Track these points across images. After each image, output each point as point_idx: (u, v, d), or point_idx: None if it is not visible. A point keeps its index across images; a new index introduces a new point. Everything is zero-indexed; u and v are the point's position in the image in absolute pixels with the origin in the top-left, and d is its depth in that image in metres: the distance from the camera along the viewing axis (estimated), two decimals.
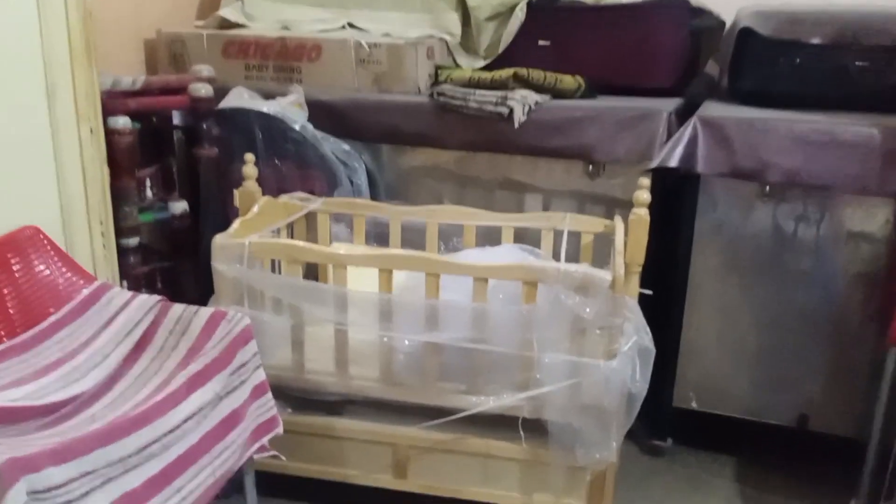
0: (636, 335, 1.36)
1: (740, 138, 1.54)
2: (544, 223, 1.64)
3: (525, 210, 1.85)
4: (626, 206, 1.75)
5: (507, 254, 1.62)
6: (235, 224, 1.48)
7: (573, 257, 1.54)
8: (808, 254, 1.60)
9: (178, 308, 1.27)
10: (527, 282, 1.32)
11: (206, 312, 1.27)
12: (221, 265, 1.41)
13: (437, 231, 1.69)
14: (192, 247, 1.82)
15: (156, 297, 1.29)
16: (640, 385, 1.35)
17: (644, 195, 1.44)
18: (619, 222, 1.49)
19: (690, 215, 1.64)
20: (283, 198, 1.68)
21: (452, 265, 1.34)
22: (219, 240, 1.41)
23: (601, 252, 1.61)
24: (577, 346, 1.32)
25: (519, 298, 1.36)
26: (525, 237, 1.67)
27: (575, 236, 1.57)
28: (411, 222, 1.72)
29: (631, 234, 1.45)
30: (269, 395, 1.27)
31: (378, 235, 1.79)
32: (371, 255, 1.37)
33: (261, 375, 1.25)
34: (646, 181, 1.44)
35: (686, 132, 1.58)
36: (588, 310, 1.29)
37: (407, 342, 1.39)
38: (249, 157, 1.60)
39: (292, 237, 1.71)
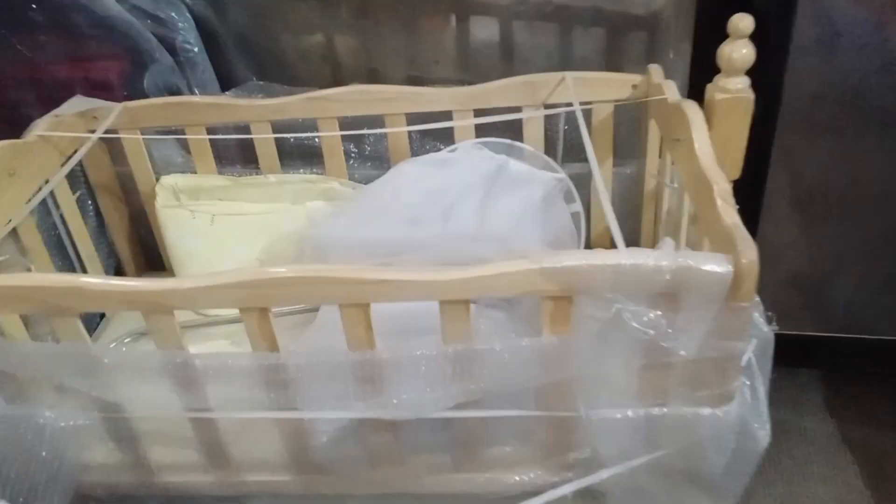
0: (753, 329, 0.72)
1: None
2: (529, 96, 0.92)
3: (471, 45, 1.10)
4: (652, 31, 1.05)
5: (469, 164, 0.91)
6: None
7: (576, 146, 0.86)
8: None
9: None
10: (552, 296, 0.64)
11: None
12: None
13: (339, 140, 0.96)
14: None
15: None
16: (764, 416, 0.74)
17: (744, 51, 0.72)
18: (686, 102, 0.78)
19: (781, 41, 0.92)
20: (41, 125, 0.89)
21: (393, 285, 0.63)
22: None
23: (623, 132, 0.94)
24: (657, 389, 0.69)
25: (530, 312, 0.69)
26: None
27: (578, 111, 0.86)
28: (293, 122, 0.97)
29: (717, 127, 0.75)
30: None
31: (236, 149, 1.04)
32: (222, 286, 0.64)
33: None
34: (747, 21, 0.71)
35: None
36: (684, 338, 0.63)
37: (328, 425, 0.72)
38: None
39: (91, 192, 0.94)
